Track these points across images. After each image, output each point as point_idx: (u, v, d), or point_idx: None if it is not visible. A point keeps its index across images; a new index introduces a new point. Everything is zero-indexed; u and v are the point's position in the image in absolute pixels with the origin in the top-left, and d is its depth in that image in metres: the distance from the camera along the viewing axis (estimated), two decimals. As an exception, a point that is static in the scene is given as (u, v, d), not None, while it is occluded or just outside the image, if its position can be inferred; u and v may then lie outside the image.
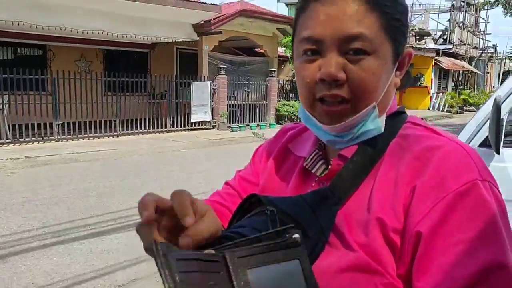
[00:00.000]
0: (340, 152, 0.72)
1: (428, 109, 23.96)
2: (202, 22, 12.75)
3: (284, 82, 16.46)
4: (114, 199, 5.81)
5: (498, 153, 2.12)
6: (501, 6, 18.81)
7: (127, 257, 3.94)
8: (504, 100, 2.31)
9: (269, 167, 0.85)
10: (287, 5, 26.85)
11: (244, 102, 14.23)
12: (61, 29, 10.46)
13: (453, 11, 26.84)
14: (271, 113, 14.78)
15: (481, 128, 2.36)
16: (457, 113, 23.52)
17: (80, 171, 7.62)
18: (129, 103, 11.49)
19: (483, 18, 31.45)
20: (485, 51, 32.35)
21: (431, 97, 24.25)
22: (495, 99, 2.05)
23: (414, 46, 22.13)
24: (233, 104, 13.93)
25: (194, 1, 12.58)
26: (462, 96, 25.20)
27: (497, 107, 2.00)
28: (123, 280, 3.57)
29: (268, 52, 15.74)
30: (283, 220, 0.58)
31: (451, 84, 26.82)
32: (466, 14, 27.85)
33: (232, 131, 13.29)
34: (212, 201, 0.87)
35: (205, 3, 12.79)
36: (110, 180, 6.97)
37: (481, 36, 31.70)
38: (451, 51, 25.44)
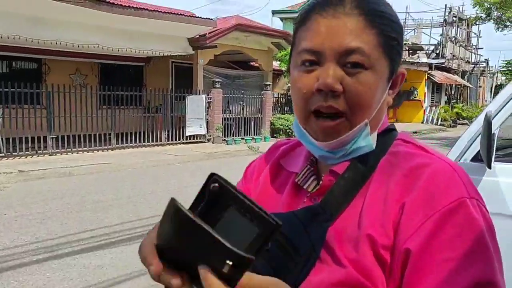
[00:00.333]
0: (332, 168, 0.73)
1: (422, 122, 24.11)
2: (198, 36, 12.83)
3: (279, 96, 16.54)
4: (108, 213, 5.77)
5: (489, 167, 2.14)
6: (493, 21, 19.10)
7: (121, 272, 3.90)
8: (495, 115, 2.34)
9: (262, 182, 0.85)
10: (281, 19, 27.10)
11: (239, 116, 14.27)
12: (56, 43, 10.49)
13: (445, 26, 27.20)
14: (266, 127, 14.82)
15: (473, 142, 2.38)
16: (450, 126, 23.68)
17: (74, 185, 7.58)
18: (124, 116, 11.49)
19: (475, 33, 31.88)
20: (477, 65, 32.71)
21: (424, 110, 24.44)
22: (486, 115, 2.08)
23: (407, 60, 22.35)
24: (228, 118, 13.97)
25: (190, 16, 12.69)
26: (455, 110, 25.42)
27: (488, 123, 2.03)
28: (117, 295, 3.54)
29: (263, 66, 15.84)
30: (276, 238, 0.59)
31: (444, 98, 27.05)
32: (458, 29, 28.25)
33: (227, 144, 13.29)
34: None
35: (200, 17, 12.88)
36: (105, 194, 6.93)
37: (473, 51, 32.11)
38: (443, 65, 25.72)
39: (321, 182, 0.74)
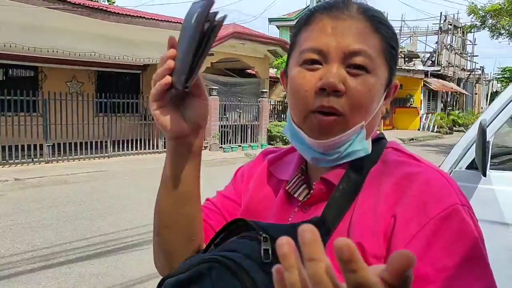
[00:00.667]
0: (323, 175, 0.72)
1: (418, 129, 24.21)
2: (194, 44, 12.85)
3: (276, 103, 16.58)
4: (104, 221, 5.74)
5: (484, 175, 2.15)
6: (487, 29, 19.25)
7: (116, 281, 3.87)
8: (490, 123, 2.35)
9: (251, 189, 0.84)
10: (278, 27, 27.25)
11: (236, 123, 14.28)
12: (53, 51, 10.48)
13: (440, 34, 27.41)
14: (263, 134, 14.83)
15: (468, 150, 2.39)
16: (446, 133, 23.79)
17: (70, 193, 7.55)
18: (120, 124, 11.48)
19: (470, 41, 32.12)
20: (473, 73, 32.93)
21: (420, 117, 24.55)
22: (480, 123, 2.09)
23: (403, 67, 22.48)
24: (225, 125, 13.98)
25: (186, 24, 12.71)
26: (451, 117, 25.56)
27: (482, 131, 2.04)
28: (112, 304, 3.52)
29: (259, 73, 15.89)
30: (274, 249, 0.59)
31: (440, 105, 27.19)
32: (454, 37, 28.47)
33: (224, 151, 13.29)
34: None
35: (197, 25, 12.92)
36: (101, 202, 6.90)
37: (469, 58, 32.34)
38: (439, 72, 25.88)
39: (312, 191, 0.73)
